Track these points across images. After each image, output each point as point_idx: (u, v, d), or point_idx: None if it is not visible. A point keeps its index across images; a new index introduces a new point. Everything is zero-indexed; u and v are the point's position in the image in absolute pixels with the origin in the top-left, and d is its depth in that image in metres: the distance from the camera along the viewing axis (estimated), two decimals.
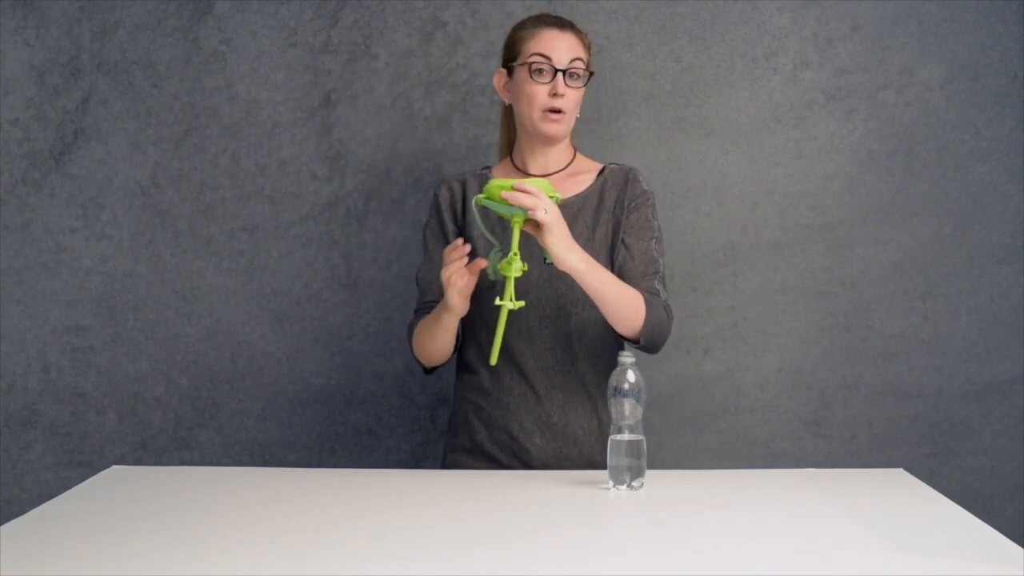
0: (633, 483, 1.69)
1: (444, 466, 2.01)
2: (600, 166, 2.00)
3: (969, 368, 2.45)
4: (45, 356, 2.45)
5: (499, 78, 1.97)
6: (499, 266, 1.75)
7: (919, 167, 2.43)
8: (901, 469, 1.94)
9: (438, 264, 1.89)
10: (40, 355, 2.45)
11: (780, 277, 2.44)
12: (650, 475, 1.73)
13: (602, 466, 1.91)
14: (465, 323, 1.94)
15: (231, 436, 2.46)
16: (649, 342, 1.87)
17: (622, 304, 1.82)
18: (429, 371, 1.99)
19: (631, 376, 1.67)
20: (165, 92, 2.43)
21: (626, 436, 1.68)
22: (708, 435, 2.46)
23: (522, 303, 1.77)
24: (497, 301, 1.74)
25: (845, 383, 2.45)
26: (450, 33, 2.42)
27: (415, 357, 1.97)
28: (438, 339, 1.89)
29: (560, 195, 1.79)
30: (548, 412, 1.92)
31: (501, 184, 1.71)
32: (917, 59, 2.41)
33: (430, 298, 1.95)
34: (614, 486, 1.70)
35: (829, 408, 2.45)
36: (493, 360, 1.79)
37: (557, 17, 1.95)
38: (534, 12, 2.40)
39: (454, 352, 1.96)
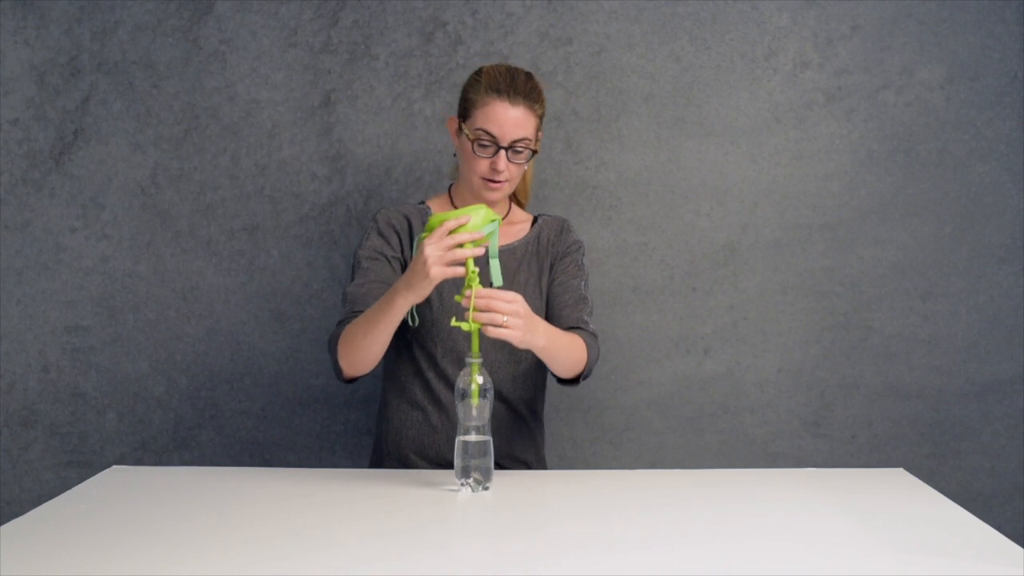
0: (486, 484, 1.71)
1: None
2: (532, 216, 2.10)
3: (969, 368, 2.45)
4: (45, 356, 2.45)
5: (452, 124, 2.00)
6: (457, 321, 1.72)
7: (919, 167, 2.43)
8: (901, 469, 1.94)
9: (373, 282, 1.92)
10: (40, 355, 2.45)
11: (780, 277, 2.44)
12: (650, 475, 1.73)
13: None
14: (415, 359, 1.97)
15: (231, 436, 2.46)
16: (583, 379, 1.95)
17: (569, 357, 1.88)
18: (350, 380, 1.92)
19: (479, 378, 1.69)
20: (165, 92, 2.43)
21: (473, 437, 1.69)
22: (708, 435, 2.46)
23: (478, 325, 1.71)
24: (454, 322, 1.72)
25: (845, 383, 2.45)
26: (450, 33, 2.42)
27: (336, 364, 1.88)
28: (380, 332, 1.79)
29: (501, 217, 1.82)
30: (495, 446, 1.91)
31: (442, 217, 1.71)
32: (917, 59, 2.41)
33: (360, 308, 1.90)
34: (462, 485, 1.71)
35: (829, 408, 2.45)
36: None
37: (512, 82, 1.91)
38: (531, 15, 2.40)
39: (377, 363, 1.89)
